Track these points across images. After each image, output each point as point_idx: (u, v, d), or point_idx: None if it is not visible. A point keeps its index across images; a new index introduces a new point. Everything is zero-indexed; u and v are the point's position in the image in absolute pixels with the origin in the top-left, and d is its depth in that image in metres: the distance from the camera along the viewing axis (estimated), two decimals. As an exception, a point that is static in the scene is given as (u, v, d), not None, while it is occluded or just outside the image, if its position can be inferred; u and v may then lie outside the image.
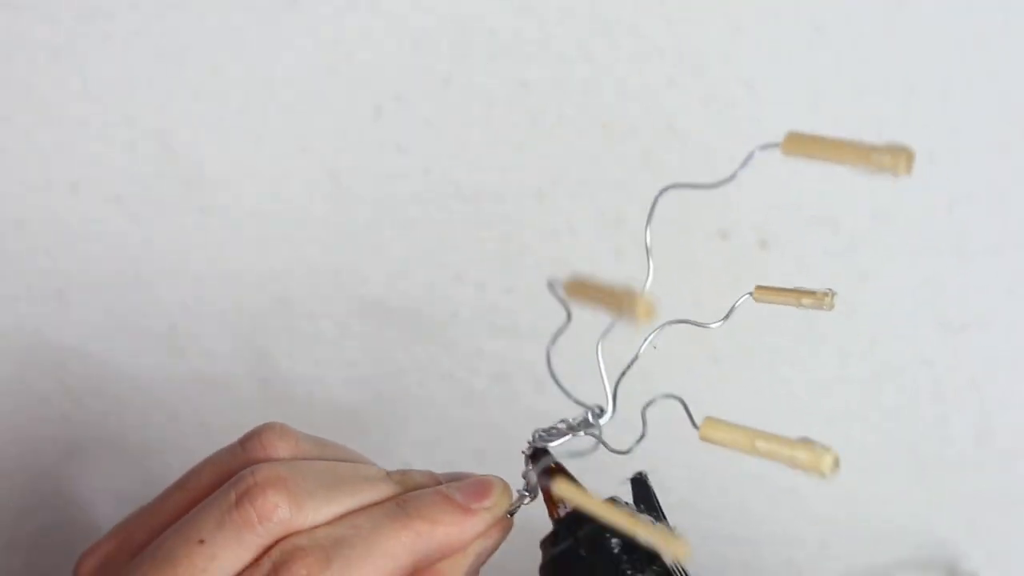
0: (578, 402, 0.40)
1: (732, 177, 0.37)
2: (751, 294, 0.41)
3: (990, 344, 0.63)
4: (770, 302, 0.40)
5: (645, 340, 0.41)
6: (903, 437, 0.64)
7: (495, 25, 0.58)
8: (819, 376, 0.63)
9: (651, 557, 0.38)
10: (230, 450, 0.39)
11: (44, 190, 0.57)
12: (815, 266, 0.62)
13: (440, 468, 0.61)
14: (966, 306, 0.63)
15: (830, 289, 0.39)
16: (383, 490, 0.38)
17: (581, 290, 0.35)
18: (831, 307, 0.40)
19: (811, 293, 0.40)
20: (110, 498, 0.61)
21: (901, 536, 0.66)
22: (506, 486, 0.39)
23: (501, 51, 0.59)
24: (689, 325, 0.45)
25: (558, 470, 0.40)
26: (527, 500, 0.40)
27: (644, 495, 0.43)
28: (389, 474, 0.39)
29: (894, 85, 0.60)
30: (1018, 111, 0.61)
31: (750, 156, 0.37)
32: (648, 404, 0.39)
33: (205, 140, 0.58)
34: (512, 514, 0.40)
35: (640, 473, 0.44)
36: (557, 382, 0.38)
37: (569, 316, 0.37)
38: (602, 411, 0.41)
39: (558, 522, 0.41)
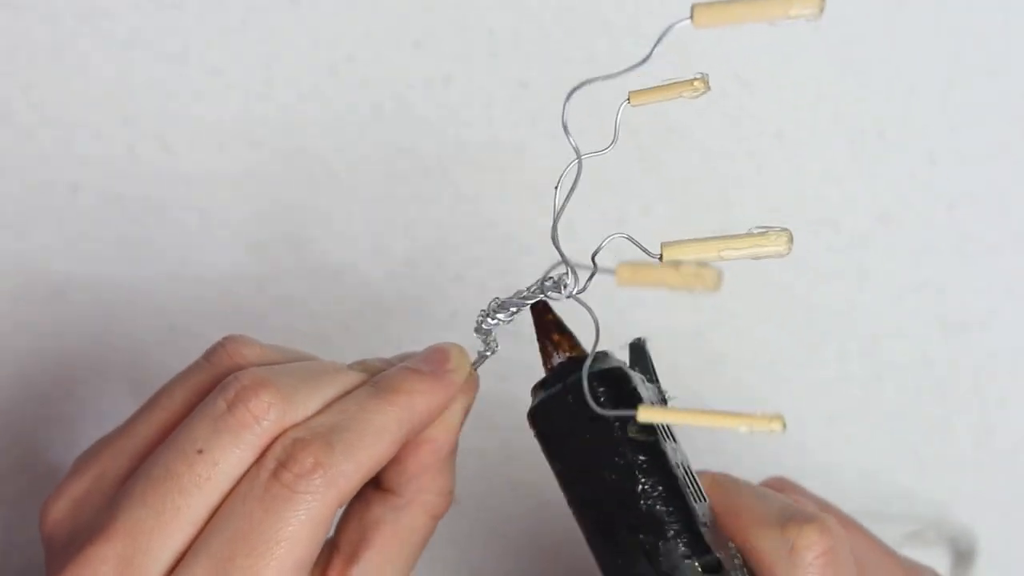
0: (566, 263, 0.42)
1: (647, 58, 0.37)
2: (628, 101, 0.40)
3: (990, 344, 0.63)
4: (647, 102, 0.40)
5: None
6: (903, 437, 0.64)
7: (495, 25, 0.58)
8: (819, 376, 0.63)
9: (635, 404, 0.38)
10: (196, 366, 0.40)
11: (44, 190, 0.57)
12: (815, 266, 0.62)
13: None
14: (966, 306, 0.63)
15: (702, 73, 0.39)
16: (355, 378, 0.39)
17: (638, 275, 0.35)
18: (703, 90, 0.40)
19: (687, 82, 0.40)
20: (110, 498, 0.61)
21: (901, 536, 0.66)
22: (461, 347, 0.41)
23: (501, 51, 0.59)
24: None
25: (548, 311, 0.42)
26: (489, 354, 0.42)
27: (641, 361, 0.43)
28: (350, 366, 0.41)
29: (894, 85, 0.60)
30: (1018, 111, 0.61)
31: (666, 31, 0.37)
32: (597, 250, 0.42)
33: (205, 140, 0.58)
34: (476, 367, 0.42)
35: (639, 339, 0.44)
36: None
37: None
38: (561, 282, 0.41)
39: (551, 370, 0.42)
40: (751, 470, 0.65)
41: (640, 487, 0.39)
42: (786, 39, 0.59)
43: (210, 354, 0.40)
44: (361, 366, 0.41)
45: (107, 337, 0.59)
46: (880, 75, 0.60)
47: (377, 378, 0.39)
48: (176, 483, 0.36)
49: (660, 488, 0.39)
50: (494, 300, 0.42)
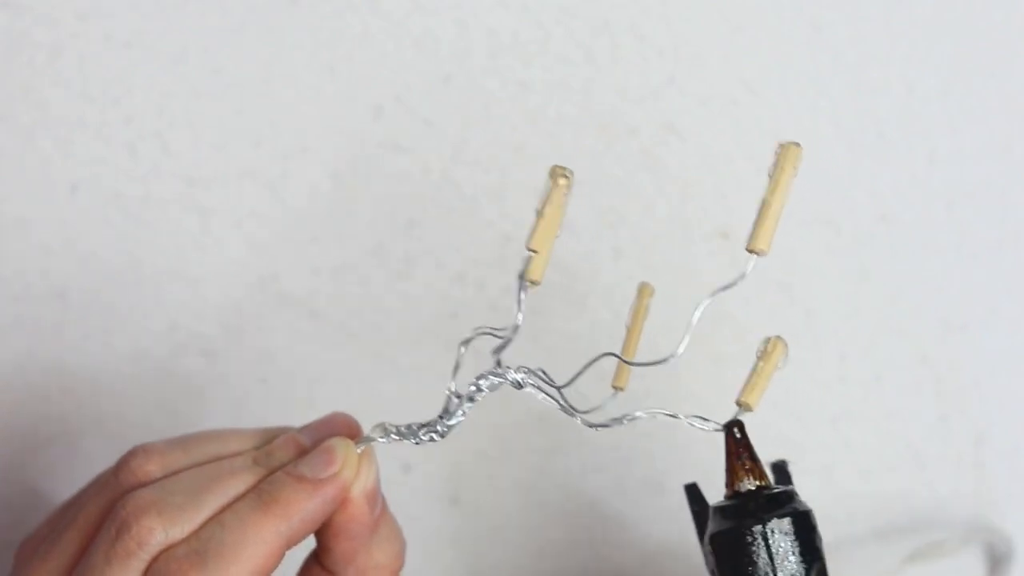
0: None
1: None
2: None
3: (990, 344, 0.63)
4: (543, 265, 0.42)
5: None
6: (903, 437, 0.64)
7: (495, 25, 0.58)
8: (819, 376, 0.63)
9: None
10: (104, 482, 0.42)
11: (44, 190, 0.57)
12: (816, 266, 0.62)
13: (445, 469, 0.62)
14: (966, 306, 0.63)
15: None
16: (247, 480, 0.41)
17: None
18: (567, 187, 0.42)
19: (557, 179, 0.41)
20: (110, 498, 0.61)
21: (901, 536, 0.66)
22: (347, 441, 0.42)
23: (501, 51, 0.59)
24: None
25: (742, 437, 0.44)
26: (386, 441, 0.44)
27: (784, 481, 0.46)
28: (255, 457, 0.42)
29: (894, 85, 0.60)
30: (1018, 111, 0.61)
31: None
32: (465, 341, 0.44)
33: (205, 140, 0.58)
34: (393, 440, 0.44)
35: (782, 461, 0.47)
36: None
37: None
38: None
39: (739, 495, 0.44)
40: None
41: None
42: (786, 40, 0.59)
43: (117, 470, 0.42)
44: (265, 457, 0.42)
45: (107, 337, 0.59)
46: (880, 75, 0.60)
47: (262, 486, 0.41)
48: None
49: None
50: (461, 392, 0.44)
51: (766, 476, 0.44)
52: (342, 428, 0.44)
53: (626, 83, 0.59)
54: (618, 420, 0.44)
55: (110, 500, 0.41)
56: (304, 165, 0.59)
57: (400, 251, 0.60)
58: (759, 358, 0.45)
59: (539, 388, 0.44)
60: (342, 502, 0.41)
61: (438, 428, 0.44)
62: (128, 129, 0.57)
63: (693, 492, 0.47)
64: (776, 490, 0.44)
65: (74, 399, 0.59)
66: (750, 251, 0.40)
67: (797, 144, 0.39)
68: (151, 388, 0.60)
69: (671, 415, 0.44)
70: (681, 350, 0.42)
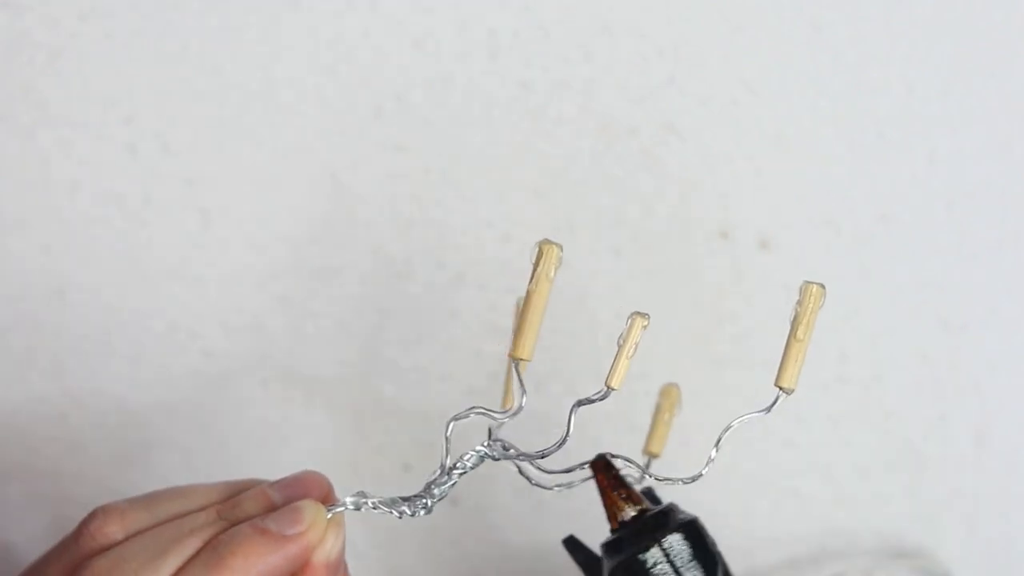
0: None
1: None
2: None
3: (990, 344, 0.63)
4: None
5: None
6: (903, 437, 0.64)
7: (495, 25, 0.58)
8: (819, 376, 0.63)
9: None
10: (66, 547, 0.42)
11: (44, 190, 0.57)
12: (815, 266, 0.62)
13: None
14: (966, 306, 0.63)
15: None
16: (208, 537, 0.40)
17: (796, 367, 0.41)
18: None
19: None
20: (110, 498, 0.61)
21: (902, 536, 0.66)
22: (318, 506, 0.41)
23: (501, 51, 0.59)
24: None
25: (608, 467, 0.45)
26: (360, 511, 0.43)
27: (658, 502, 0.47)
28: (220, 510, 0.41)
29: (894, 85, 0.60)
30: (1018, 111, 0.61)
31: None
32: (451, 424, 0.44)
33: (205, 140, 0.58)
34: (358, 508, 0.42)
35: (647, 488, 0.49)
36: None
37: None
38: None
39: (624, 524, 0.45)
40: (751, 471, 0.65)
41: None
42: (786, 40, 0.59)
43: (77, 534, 0.42)
44: (230, 511, 0.42)
45: (107, 337, 0.59)
46: (880, 75, 0.60)
47: (220, 539, 0.40)
48: None
49: None
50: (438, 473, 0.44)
51: (643, 500, 0.45)
52: (314, 489, 0.42)
53: (626, 83, 0.59)
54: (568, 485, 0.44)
55: (69, 566, 0.41)
56: (304, 165, 0.59)
57: (400, 251, 0.60)
58: (658, 408, 0.48)
59: (518, 466, 0.44)
60: (302, 566, 0.40)
61: (424, 502, 0.44)
62: (128, 129, 0.57)
63: (573, 544, 0.48)
64: (657, 509, 0.45)
65: (74, 399, 0.59)
66: (778, 387, 0.41)
67: (822, 286, 0.41)
68: (151, 388, 0.60)
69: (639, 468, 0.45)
70: (705, 471, 0.42)
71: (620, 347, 0.41)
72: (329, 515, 0.41)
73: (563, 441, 0.42)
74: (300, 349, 0.61)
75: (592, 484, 0.45)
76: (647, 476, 0.44)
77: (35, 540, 0.60)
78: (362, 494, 0.42)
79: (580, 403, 0.42)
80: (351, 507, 0.42)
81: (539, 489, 0.47)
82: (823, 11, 0.59)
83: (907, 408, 0.64)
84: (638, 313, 0.41)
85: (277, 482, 0.42)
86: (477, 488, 0.63)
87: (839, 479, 0.64)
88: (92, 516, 0.42)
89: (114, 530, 0.41)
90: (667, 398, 0.50)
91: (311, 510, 0.41)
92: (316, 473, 0.43)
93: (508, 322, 0.61)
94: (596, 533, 0.65)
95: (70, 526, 0.62)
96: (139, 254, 0.59)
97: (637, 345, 0.41)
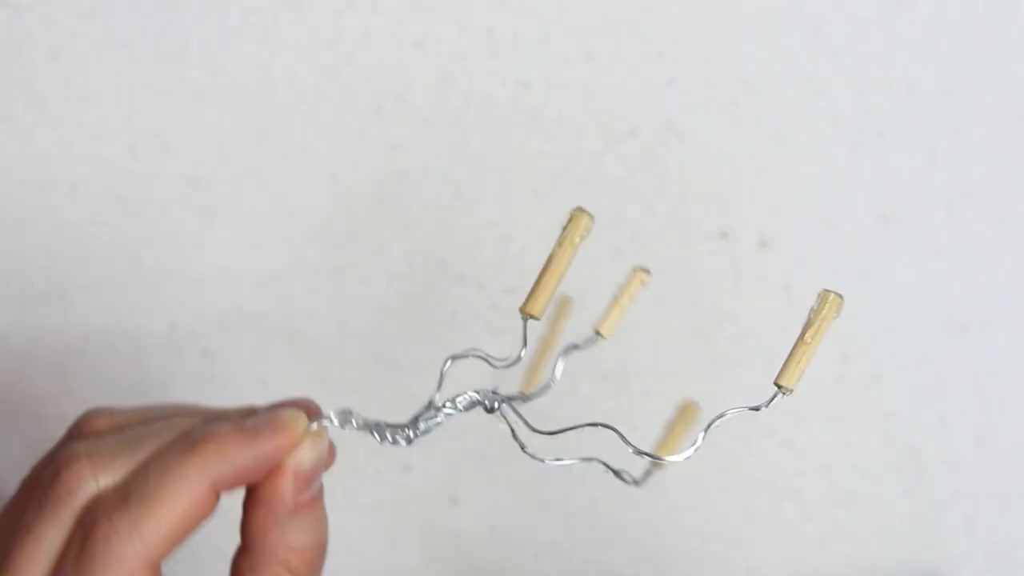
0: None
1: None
2: (599, 335, 0.42)
3: (990, 344, 0.63)
4: (614, 323, 0.42)
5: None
6: (903, 437, 0.64)
7: (495, 25, 0.58)
8: (819, 376, 0.63)
9: None
10: (59, 441, 0.42)
11: (44, 190, 0.57)
12: (815, 266, 0.62)
13: (445, 469, 0.61)
14: (966, 306, 0.63)
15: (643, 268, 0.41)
16: (175, 432, 0.40)
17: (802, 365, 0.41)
18: (649, 281, 0.41)
19: (635, 279, 0.42)
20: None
21: (901, 536, 0.66)
22: (299, 413, 0.41)
23: (501, 51, 0.59)
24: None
25: None
26: (343, 428, 0.42)
27: None
28: (204, 416, 0.42)
29: (894, 85, 0.60)
30: (1018, 111, 0.61)
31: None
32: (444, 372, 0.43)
33: (205, 140, 0.58)
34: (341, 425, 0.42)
35: None
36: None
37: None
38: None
39: None
40: (751, 471, 0.65)
41: None
42: (786, 40, 0.59)
43: (68, 429, 0.42)
44: (215, 415, 0.42)
45: (107, 337, 0.59)
46: (880, 75, 0.60)
47: (193, 430, 0.40)
48: (12, 564, 0.38)
49: None
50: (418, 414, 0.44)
51: None
52: (302, 405, 0.42)
53: (626, 83, 0.59)
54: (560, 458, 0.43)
55: (54, 453, 0.41)
56: (304, 165, 0.59)
57: (400, 251, 0.60)
58: (673, 423, 0.47)
59: (505, 418, 0.43)
60: (272, 470, 0.40)
61: (407, 433, 0.43)
62: (128, 129, 0.58)
63: None
64: None
65: (74, 399, 0.59)
66: (777, 385, 0.41)
67: (840, 296, 0.42)
68: (151, 388, 0.60)
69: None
70: (691, 453, 0.42)
71: (616, 297, 0.41)
72: (312, 426, 0.41)
73: (547, 386, 0.42)
74: (300, 349, 0.61)
75: (589, 474, 0.44)
76: (639, 453, 0.43)
77: (35, 540, 0.60)
78: (349, 412, 0.42)
79: (569, 348, 0.42)
80: (336, 422, 0.42)
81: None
82: (823, 11, 0.59)
83: (907, 408, 0.64)
84: (641, 268, 0.41)
85: (267, 404, 0.43)
86: (477, 488, 0.63)
87: (839, 479, 0.64)
88: (85, 413, 0.42)
89: (101, 423, 0.42)
90: (685, 414, 0.49)
91: (290, 414, 0.41)
92: (306, 397, 0.43)
93: (508, 323, 0.61)
94: (596, 533, 0.65)
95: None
96: (139, 254, 0.59)
97: (632, 298, 0.41)
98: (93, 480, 0.39)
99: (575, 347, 0.42)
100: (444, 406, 0.43)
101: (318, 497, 0.42)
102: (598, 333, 0.41)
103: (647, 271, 0.41)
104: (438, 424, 0.43)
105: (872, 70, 0.60)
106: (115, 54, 0.57)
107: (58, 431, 0.60)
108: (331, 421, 0.42)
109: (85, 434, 0.41)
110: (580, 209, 0.41)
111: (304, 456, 0.41)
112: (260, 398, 0.61)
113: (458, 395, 0.43)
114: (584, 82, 0.59)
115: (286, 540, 0.41)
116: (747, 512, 0.65)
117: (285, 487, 0.40)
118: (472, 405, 0.43)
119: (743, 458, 0.64)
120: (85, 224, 0.58)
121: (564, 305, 0.49)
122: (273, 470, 0.40)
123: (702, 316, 0.62)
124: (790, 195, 0.61)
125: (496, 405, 0.43)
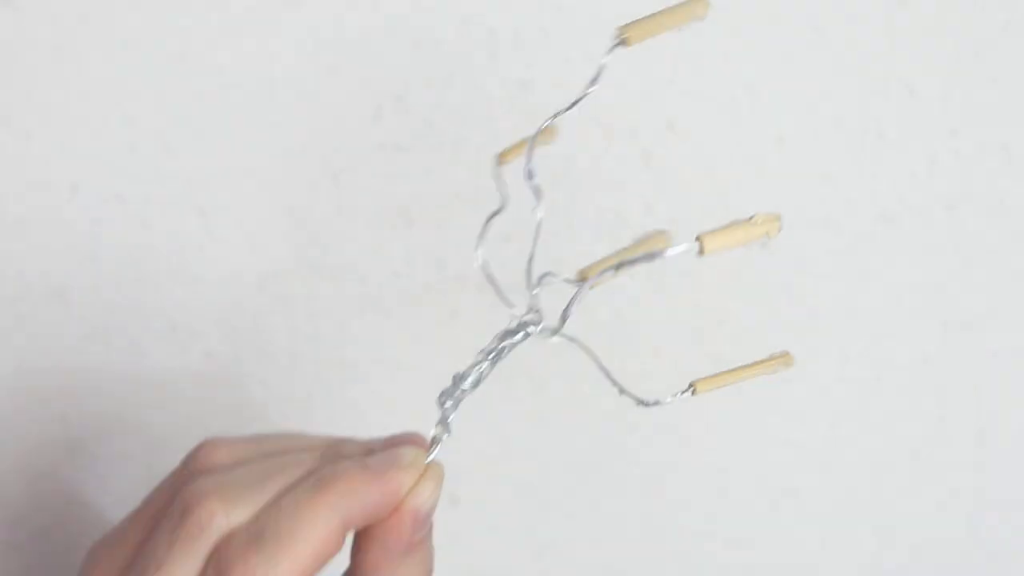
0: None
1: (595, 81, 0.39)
2: (701, 248, 0.42)
3: (990, 344, 0.63)
4: (719, 248, 0.42)
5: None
6: (903, 437, 0.64)
7: (495, 25, 0.58)
8: (819, 376, 0.63)
9: None
10: (175, 472, 0.43)
11: (44, 190, 0.57)
12: (815, 266, 0.62)
13: (445, 469, 0.61)
14: (966, 306, 0.63)
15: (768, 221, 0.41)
16: (303, 469, 0.41)
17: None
18: (775, 234, 0.41)
19: (760, 226, 0.42)
20: (110, 498, 0.61)
21: (901, 536, 0.66)
22: (418, 449, 0.42)
23: (501, 51, 0.59)
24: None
25: None
26: (446, 436, 0.43)
27: None
28: (324, 452, 0.42)
29: (894, 85, 0.60)
30: (1018, 111, 0.61)
31: (602, 67, 0.39)
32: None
33: (205, 140, 0.58)
34: (432, 453, 0.43)
35: None
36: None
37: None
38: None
39: None
40: (751, 471, 0.65)
41: None
42: (786, 40, 0.59)
43: (186, 460, 0.43)
44: (333, 451, 0.42)
45: (107, 337, 0.59)
46: (880, 75, 0.60)
47: (321, 470, 0.41)
48: None
49: None
50: (453, 377, 0.44)
51: None
52: (415, 441, 0.44)
53: (626, 83, 0.59)
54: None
55: (176, 488, 0.41)
56: (304, 165, 0.59)
57: (400, 251, 0.60)
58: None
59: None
60: (393, 510, 0.41)
61: (470, 378, 0.44)
62: (128, 129, 0.58)
63: None
64: None
65: (74, 399, 0.59)
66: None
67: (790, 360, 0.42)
68: (151, 388, 0.60)
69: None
70: (670, 400, 0.41)
71: (624, 248, 0.42)
72: (428, 459, 0.42)
73: (539, 323, 0.43)
74: (300, 349, 0.61)
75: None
76: (622, 392, 0.44)
77: (35, 539, 0.60)
78: (441, 429, 0.43)
79: (544, 276, 0.43)
80: (446, 435, 0.43)
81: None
82: (823, 11, 0.59)
83: (907, 408, 0.64)
84: (662, 232, 0.41)
85: (379, 439, 0.44)
86: (477, 488, 0.63)
87: (839, 479, 0.64)
88: (201, 445, 0.42)
89: (221, 456, 0.42)
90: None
91: (411, 452, 0.42)
92: (416, 433, 0.44)
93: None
94: (596, 533, 0.65)
95: (70, 528, 0.62)
96: (139, 254, 0.59)
97: (634, 262, 0.41)
98: (224, 517, 0.39)
99: (551, 275, 0.42)
100: (477, 363, 0.44)
101: (430, 536, 0.43)
102: (581, 275, 0.42)
103: (669, 236, 0.41)
104: (478, 378, 0.44)
105: (872, 70, 0.60)
106: (115, 54, 0.57)
107: (58, 431, 0.60)
108: (440, 439, 0.43)
109: (206, 467, 0.42)
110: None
111: (424, 497, 0.42)
112: (260, 399, 0.61)
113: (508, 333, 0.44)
114: (584, 82, 0.59)
115: None
116: (747, 512, 0.65)
117: (404, 526, 0.41)
118: (506, 337, 0.44)
119: (743, 458, 0.64)
120: (85, 224, 0.58)
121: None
122: (393, 510, 0.41)
123: (702, 316, 0.62)
124: (790, 195, 0.61)
125: (526, 333, 0.44)
